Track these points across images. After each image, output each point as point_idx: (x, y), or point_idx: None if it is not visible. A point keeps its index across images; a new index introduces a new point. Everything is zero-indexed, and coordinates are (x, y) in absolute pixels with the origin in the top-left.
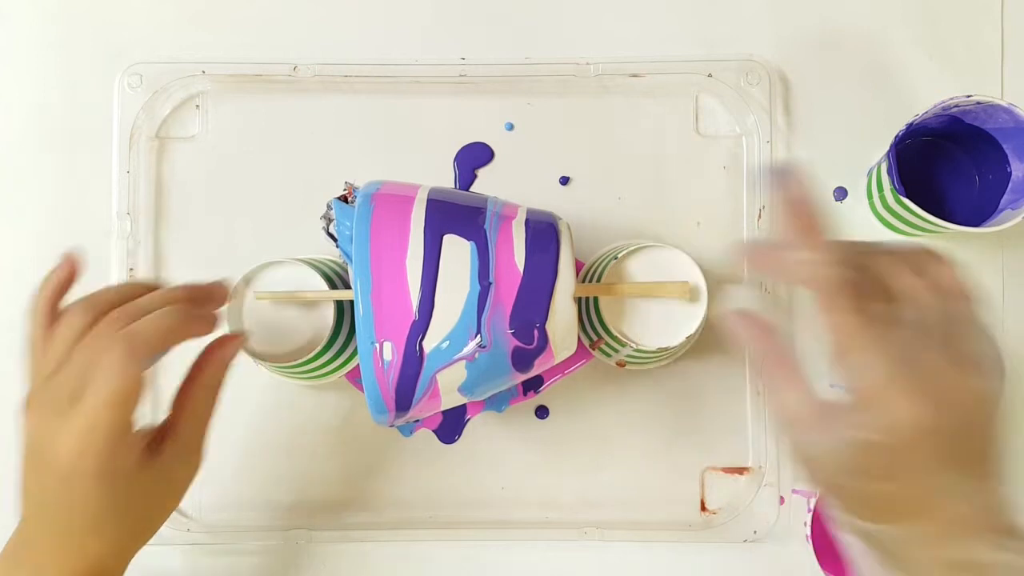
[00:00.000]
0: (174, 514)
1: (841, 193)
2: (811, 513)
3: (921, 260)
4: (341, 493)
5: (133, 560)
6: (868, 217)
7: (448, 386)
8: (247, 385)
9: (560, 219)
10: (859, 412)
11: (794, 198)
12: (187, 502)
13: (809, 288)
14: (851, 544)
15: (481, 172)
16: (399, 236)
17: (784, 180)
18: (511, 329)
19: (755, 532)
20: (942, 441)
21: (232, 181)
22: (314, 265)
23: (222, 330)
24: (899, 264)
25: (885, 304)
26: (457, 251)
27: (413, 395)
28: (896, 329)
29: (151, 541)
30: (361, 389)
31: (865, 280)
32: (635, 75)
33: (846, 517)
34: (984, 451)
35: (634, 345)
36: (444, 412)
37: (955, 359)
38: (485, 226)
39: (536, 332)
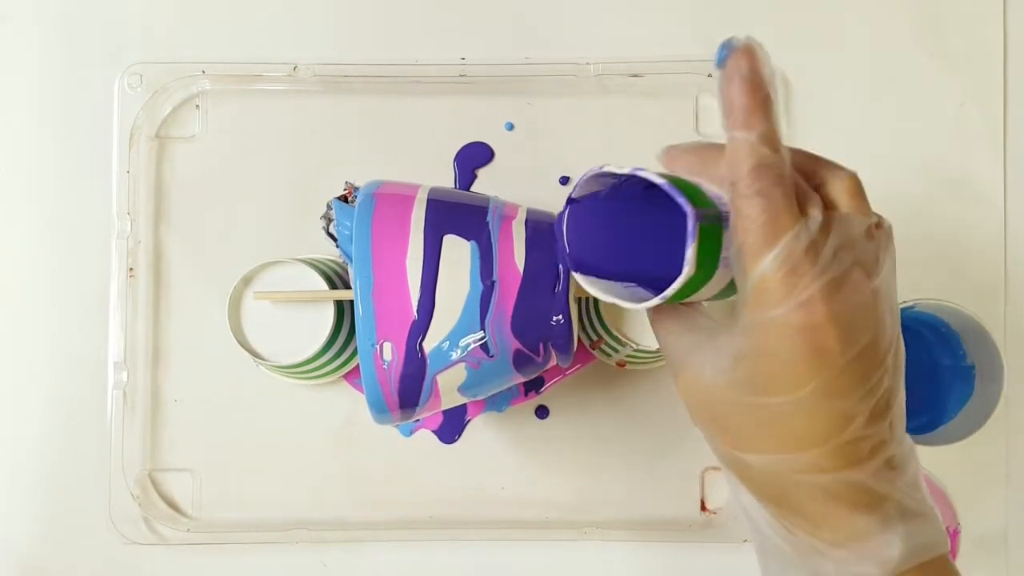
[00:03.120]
0: (174, 514)
1: None
2: None
3: (860, 183)
4: (341, 493)
5: (130, 559)
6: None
7: (448, 386)
8: (247, 385)
9: None
10: (758, 310)
11: (746, 74)
12: (187, 502)
13: (742, 171)
14: (739, 497)
15: (481, 172)
16: (399, 236)
17: (738, 53)
18: (513, 330)
19: None
20: (848, 361)
21: (232, 181)
22: (314, 265)
23: (224, 328)
24: (844, 181)
25: (823, 207)
26: (457, 251)
27: (413, 395)
28: (826, 236)
29: (150, 541)
30: (360, 390)
31: (802, 181)
32: (635, 75)
33: (727, 451)
34: (887, 386)
35: (634, 345)
36: (444, 412)
37: (876, 287)
38: (488, 223)
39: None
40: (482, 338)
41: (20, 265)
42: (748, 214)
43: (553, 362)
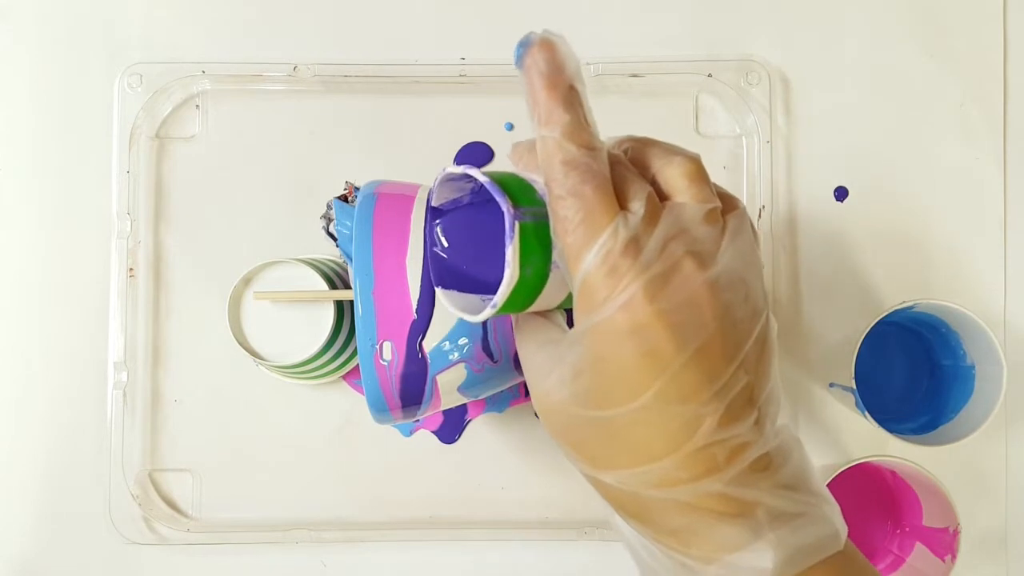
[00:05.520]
0: (174, 514)
1: (841, 193)
2: None
3: (699, 167)
4: (341, 493)
5: (130, 559)
6: (871, 218)
7: (448, 387)
8: (247, 385)
9: None
10: (585, 316)
11: (544, 69)
12: (187, 502)
13: (553, 171)
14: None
15: None
16: (399, 236)
17: (534, 49)
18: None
19: None
20: (685, 360)
21: (232, 181)
22: (314, 265)
23: (224, 328)
24: (680, 166)
25: (650, 198)
26: None
27: (414, 395)
28: (651, 229)
29: (150, 541)
30: (360, 390)
31: (630, 172)
32: (635, 75)
33: (586, 470)
34: (745, 382)
35: None
36: (444, 412)
37: (714, 278)
38: None
39: None
40: (482, 338)
41: (20, 265)
42: (563, 215)
43: None
